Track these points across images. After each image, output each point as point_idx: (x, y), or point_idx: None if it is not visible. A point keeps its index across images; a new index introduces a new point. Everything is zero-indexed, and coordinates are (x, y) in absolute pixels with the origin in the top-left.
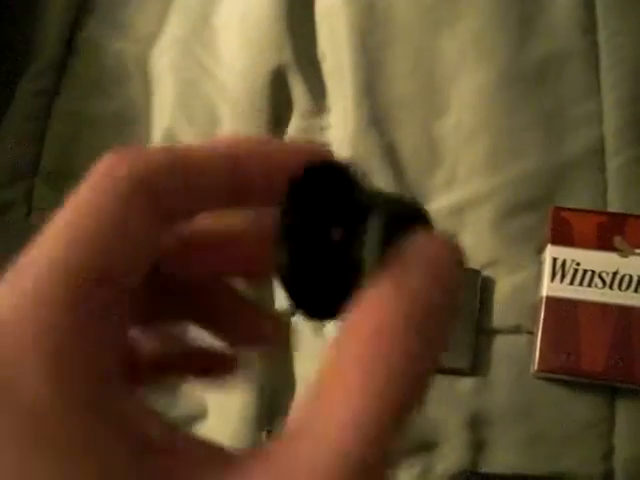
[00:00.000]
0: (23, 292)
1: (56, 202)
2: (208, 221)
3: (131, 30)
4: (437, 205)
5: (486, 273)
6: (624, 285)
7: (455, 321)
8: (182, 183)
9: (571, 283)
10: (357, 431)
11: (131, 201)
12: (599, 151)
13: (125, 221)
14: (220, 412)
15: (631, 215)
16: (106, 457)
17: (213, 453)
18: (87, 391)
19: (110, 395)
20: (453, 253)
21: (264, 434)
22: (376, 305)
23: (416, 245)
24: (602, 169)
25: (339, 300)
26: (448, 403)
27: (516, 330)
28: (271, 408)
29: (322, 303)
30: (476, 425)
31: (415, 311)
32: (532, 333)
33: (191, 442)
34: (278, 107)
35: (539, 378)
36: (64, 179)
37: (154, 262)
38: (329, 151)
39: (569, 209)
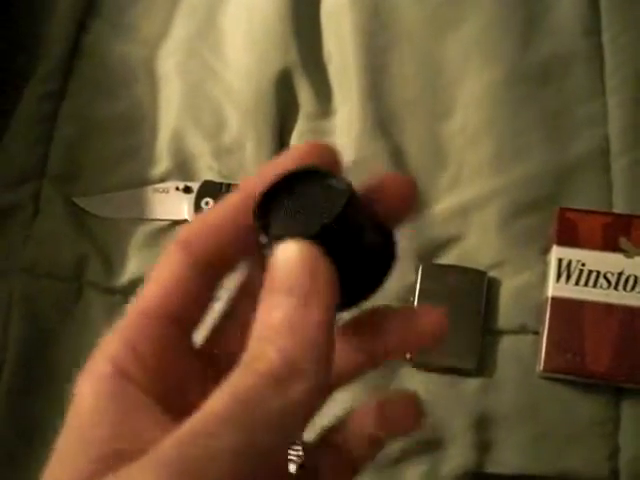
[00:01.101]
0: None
1: (62, 204)
2: None
3: (137, 32)
4: (442, 206)
5: (492, 274)
6: (629, 286)
7: None
8: (209, 237)
9: (576, 283)
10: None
11: (174, 257)
12: (604, 152)
13: (171, 273)
14: None
15: (636, 216)
16: None
17: None
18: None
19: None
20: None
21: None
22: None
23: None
24: (607, 170)
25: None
26: (454, 403)
27: (521, 330)
28: None
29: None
30: (482, 425)
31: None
32: (537, 333)
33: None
34: (284, 109)
35: (544, 378)
36: (71, 181)
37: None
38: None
39: (574, 210)
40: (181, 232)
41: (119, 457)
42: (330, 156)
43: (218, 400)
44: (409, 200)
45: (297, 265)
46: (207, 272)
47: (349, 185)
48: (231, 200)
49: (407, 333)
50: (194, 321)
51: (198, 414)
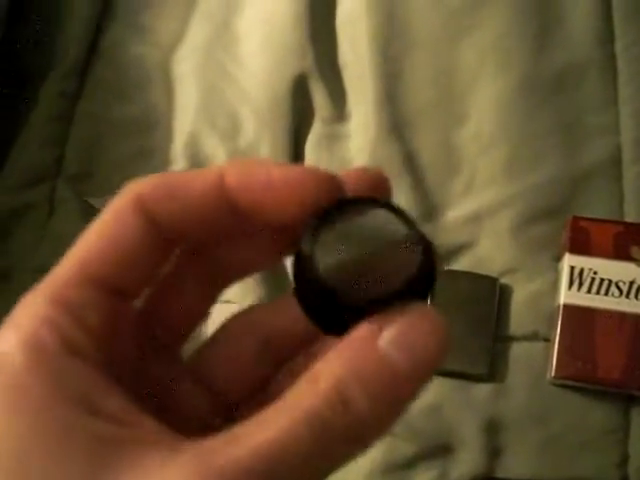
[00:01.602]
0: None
1: (77, 204)
2: None
3: (153, 35)
4: (456, 213)
5: (504, 280)
6: None
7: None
8: (170, 200)
9: (588, 291)
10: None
11: (124, 215)
12: (616, 161)
13: (116, 231)
14: None
15: None
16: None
17: (163, 433)
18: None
19: (69, 367)
20: (441, 341)
21: None
22: (348, 355)
23: (412, 317)
24: (619, 179)
25: (347, 321)
26: (465, 408)
27: (533, 337)
28: None
29: (332, 322)
30: (492, 430)
31: (377, 377)
32: (549, 340)
33: (146, 420)
34: (299, 113)
35: (555, 385)
36: (86, 181)
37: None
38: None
39: (587, 218)
40: (134, 186)
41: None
42: (380, 185)
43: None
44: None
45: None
46: (161, 241)
47: (414, 224)
48: (205, 176)
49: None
50: (137, 292)
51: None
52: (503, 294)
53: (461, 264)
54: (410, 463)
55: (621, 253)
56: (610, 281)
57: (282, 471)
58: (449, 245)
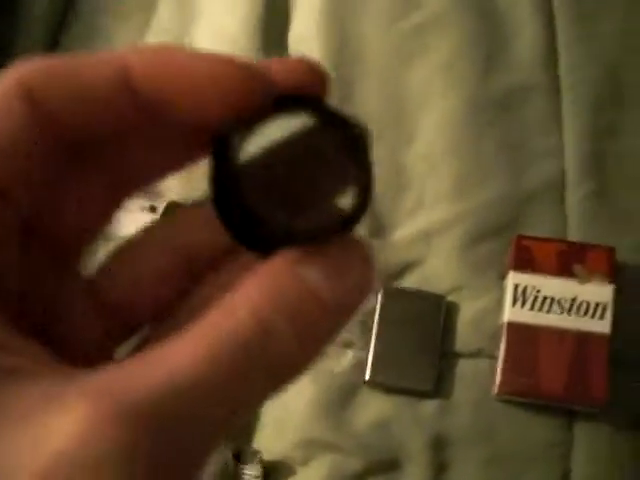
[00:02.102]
0: None
1: None
2: None
3: (113, 44)
4: (404, 231)
5: (450, 298)
6: (582, 311)
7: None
8: (62, 86)
9: (531, 309)
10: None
11: (5, 101)
12: (559, 184)
13: (7, 125)
14: None
15: (590, 245)
16: None
17: (50, 362)
18: None
19: None
20: (367, 273)
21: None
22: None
23: (339, 247)
24: (562, 201)
25: (271, 245)
26: (411, 424)
27: (478, 354)
28: None
29: (255, 243)
30: (439, 446)
31: (297, 303)
32: (493, 357)
33: (30, 346)
34: None
35: (500, 400)
36: None
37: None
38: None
39: (531, 237)
40: (18, 68)
41: None
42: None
43: (199, 341)
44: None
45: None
46: (51, 136)
47: (363, 130)
48: (105, 62)
49: None
50: (21, 195)
51: (169, 360)
52: (449, 312)
53: (409, 282)
54: (357, 478)
55: (564, 271)
56: (553, 298)
57: (194, 401)
58: (397, 263)
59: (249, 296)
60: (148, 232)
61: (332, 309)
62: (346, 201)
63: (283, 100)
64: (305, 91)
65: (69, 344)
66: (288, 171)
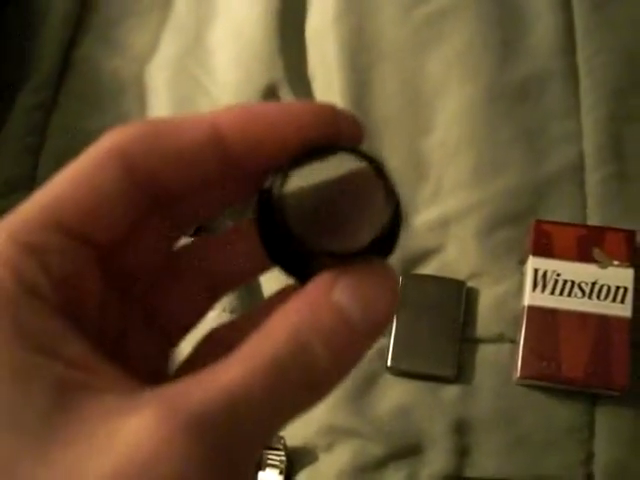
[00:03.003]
0: None
1: None
2: None
3: (127, 49)
4: (423, 218)
5: (470, 284)
6: (602, 295)
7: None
8: (156, 150)
9: (552, 293)
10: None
11: (103, 164)
12: (578, 167)
13: (93, 181)
14: None
15: (609, 228)
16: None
17: (123, 376)
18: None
19: (28, 313)
20: (392, 296)
21: None
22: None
23: (366, 270)
24: (581, 185)
25: (308, 268)
26: (433, 409)
27: (499, 339)
28: None
29: (294, 266)
30: (461, 431)
31: (331, 326)
32: (514, 342)
33: (105, 366)
34: None
35: (521, 385)
36: None
37: (130, 224)
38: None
39: (550, 222)
40: (115, 134)
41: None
42: (351, 126)
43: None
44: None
45: (386, 307)
46: (139, 192)
47: (386, 172)
48: (196, 126)
49: None
50: (105, 241)
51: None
52: (470, 297)
53: (428, 269)
54: (379, 464)
55: (583, 255)
56: (573, 282)
57: (245, 414)
58: (416, 250)
59: (290, 321)
60: (184, 256)
61: (362, 332)
62: (376, 229)
63: (329, 147)
64: (342, 136)
65: (132, 361)
66: (326, 204)
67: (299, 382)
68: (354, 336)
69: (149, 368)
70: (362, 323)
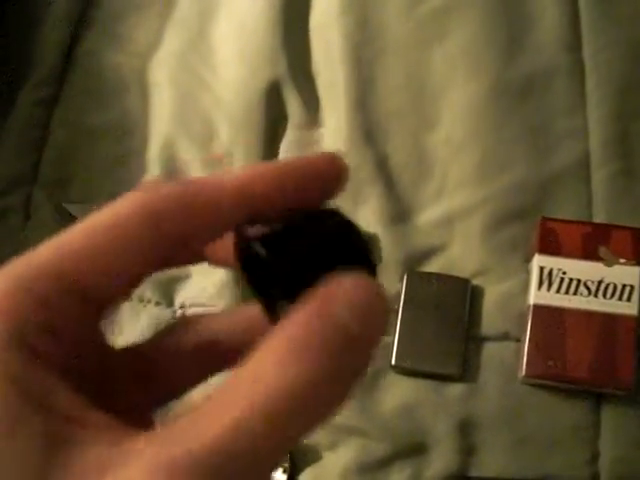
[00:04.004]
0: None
1: (52, 210)
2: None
3: (129, 44)
4: (427, 216)
5: (475, 282)
6: (608, 293)
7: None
8: (183, 210)
9: (557, 291)
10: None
11: (127, 218)
12: (584, 164)
13: (115, 233)
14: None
15: (615, 226)
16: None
17: (114, 425)
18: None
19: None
20: (379, 298)
21: None
22: (296, 323)
23: (343, 283)
24: (587, 181)
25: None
26: (438, 408)
27: (504, 337)
28: None
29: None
30: (465, 430)
31: (331, 336)
32: (519, 340)
33: (96, 415)
34: (273, 119)
35: (526, 384)
36: (62, 187)
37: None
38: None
39: (556, 220)
40: (146, 195)
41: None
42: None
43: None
44: (340, 182)
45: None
46: (160, 253)
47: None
48: (224, 188)
49: None
50: (114, 301)
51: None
52: (474, 295)
53: (433, 266)
54: (384, 463)
55: (589, 253)
56: (579, 281)
57: (235, 460)
58: (421, 248)
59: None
60: (185, 319)
61: (361, 343)
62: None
63: (307, 212)
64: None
65: (122, 409)
66: (305, 253)
67: (299, 411)
68: (354, 347)
69: (137, 413)
70: (361, 335)
